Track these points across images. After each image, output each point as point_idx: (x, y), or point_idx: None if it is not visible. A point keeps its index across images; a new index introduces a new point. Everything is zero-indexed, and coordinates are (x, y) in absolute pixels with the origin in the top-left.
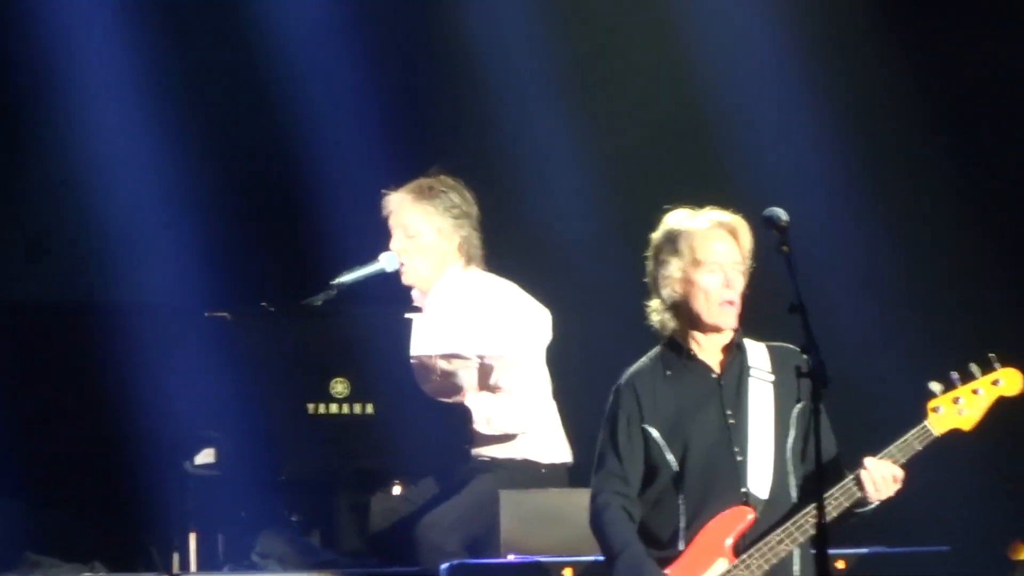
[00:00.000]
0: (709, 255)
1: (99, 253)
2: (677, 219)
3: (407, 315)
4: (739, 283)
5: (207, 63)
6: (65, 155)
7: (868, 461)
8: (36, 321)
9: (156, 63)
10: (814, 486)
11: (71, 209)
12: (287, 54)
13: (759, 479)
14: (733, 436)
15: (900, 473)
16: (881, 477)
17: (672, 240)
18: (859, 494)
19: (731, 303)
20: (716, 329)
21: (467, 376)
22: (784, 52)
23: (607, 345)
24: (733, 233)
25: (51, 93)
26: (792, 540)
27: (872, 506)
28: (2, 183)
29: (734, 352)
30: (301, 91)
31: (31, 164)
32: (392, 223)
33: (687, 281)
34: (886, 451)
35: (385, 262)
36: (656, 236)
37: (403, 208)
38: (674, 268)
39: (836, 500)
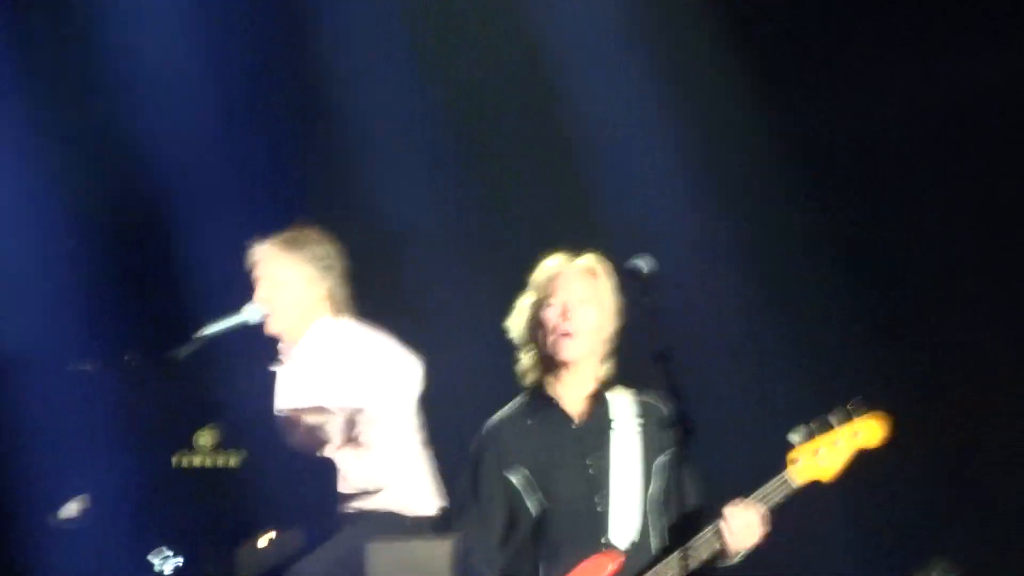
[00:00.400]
0: (555, 292)
1: None
2: (544, 263)
3: (270, 368)
4: (585, 317)
5: (70, 109)
6: None
7: (727, 510)
8: None
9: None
10: (676, 536)
11: None
12: (153, 102)
13: (621, 529)
14: (593, 485)
15: (757, 521)
16: (741, 525)
17: (532, 282)
18: (718, 545)
19: (567, 335)
20: (562, 364)
21: (331, 429)
22: (647, 99)
23: (481, 390)
24: (590, 272)
25: None
26: None
27: (737, 558)
28: None
29: (596, 402)
30: (167, 141)
31: None
32: (258, 274)
33: (535, 319)
34: (746, 500)
35: (249, 314)
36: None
37: (270, 258)
38: (525, 305)
39: (696, 551)
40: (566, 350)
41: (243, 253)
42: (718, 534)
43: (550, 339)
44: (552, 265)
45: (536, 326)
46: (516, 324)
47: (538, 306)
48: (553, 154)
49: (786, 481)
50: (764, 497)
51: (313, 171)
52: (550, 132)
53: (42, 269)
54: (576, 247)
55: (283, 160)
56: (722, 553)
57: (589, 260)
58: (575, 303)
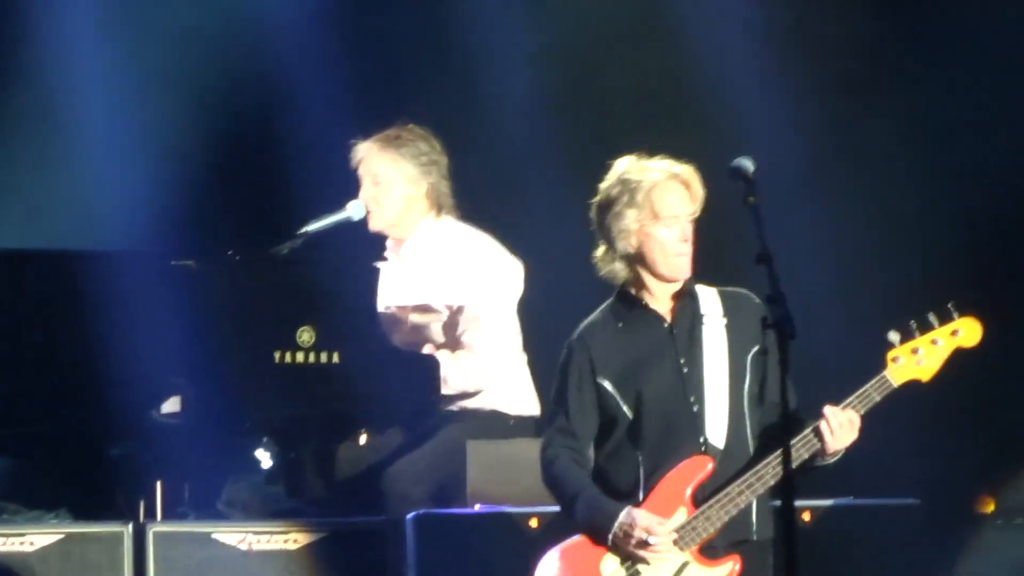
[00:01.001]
0: (667, 208)
1: (68, 202)
2: (631, 169)
3: (374, 264)
4: (691, 234)
5: (175, 15)
6: (35, 102)
7: (827, 410)
8: (6, 268)
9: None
10: (773, 436)
11: (38, 157)
12: (257, 3)
13: (716, 428)
14: (688, 385)
15: (857, 420)
16: (839, 425)
17: (628, 191)
18: (818, 444)
19: (684, 255)
20: (671, 280)
21: (436, 328)
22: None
23: (578, 297)
24: (687, 184)
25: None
26: (752, 491)
27: (832, 459)
28: None
29: (685, 300)
30: (271, 39)
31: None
32: (361, 172)
33: (643, 234)
34: (846, 402)
35: (352, 210)
36: (607, 185)
37: (371, 156)
38: (630, 219)
39: (797, 452)
40: (686, 270)
41: (347, 149)
42: (819, 434)
43: (668, 259)
44: (654, 176)
45: (647, 242)
46: (618, 232)
47: (647, 221)
48: (655, 61)
49: (886, 381)
50: (862, 397)
51: (418, 69)
52: (651, 29)
53: (148, 165)
54: (674, 152)
55: (390, 58)
56: (821, 452)
57: (687, 170)
58: (687, 222)
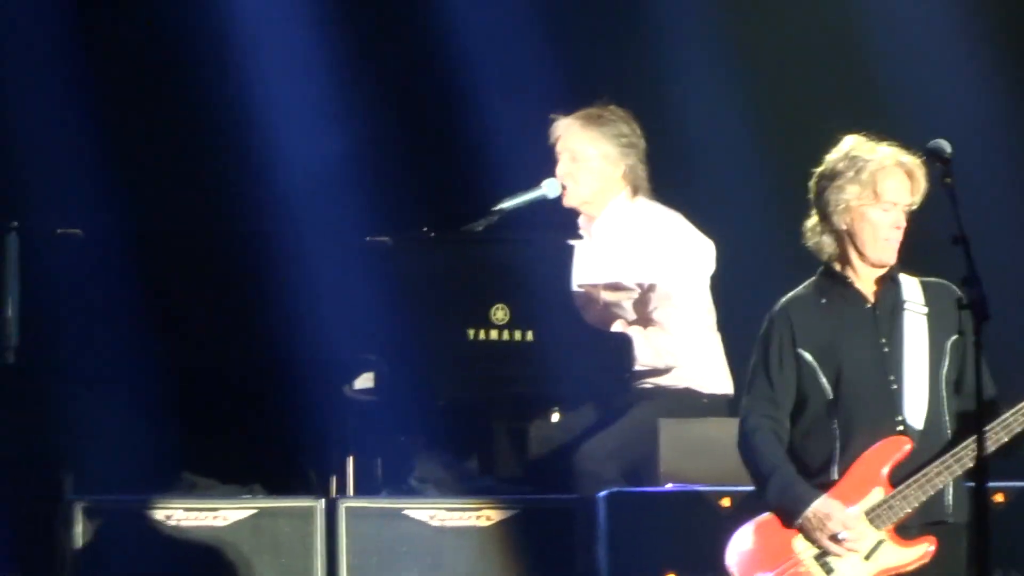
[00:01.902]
0: (888, 193)
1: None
2: (860, 147)
3: (569, 242)
4: (904, 225)
5: None
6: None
7: None
8: (201, 245)
9: None
10: (970, 419)
11: (233, 138)
12: None
13: (914, 409)
14: (888, 364)
15: None
16: None
17: (854, 168)
18: (1020, 427)
19: (896, 241)
20: (876, 264)
21: (627, 306)
22: None
23: (771, 279)
24: (911, 174)
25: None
26: (950, 473)
27: None
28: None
29: (889, 284)
30: (469, 17)
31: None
32: (559, 148)
33: (860, 212)
34: None
35: (547, 188)
36: (834, 158)
37: (571, 133)
38: (850, 195)
39: (996, 434)
40: (893, 256)
41: (543, 128)
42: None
43: (877, 242)
44: (883, 157)
45: (860, 220)
46: (835, 204)
47: (867, 200)
48: (846, 39)
49: None
50: None
51: (614, 52)
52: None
53: (344, 143)
54: (869, 130)
55: (588, 39)
56: (1020, 437)
57: (915, 161)
58: (902, 211)
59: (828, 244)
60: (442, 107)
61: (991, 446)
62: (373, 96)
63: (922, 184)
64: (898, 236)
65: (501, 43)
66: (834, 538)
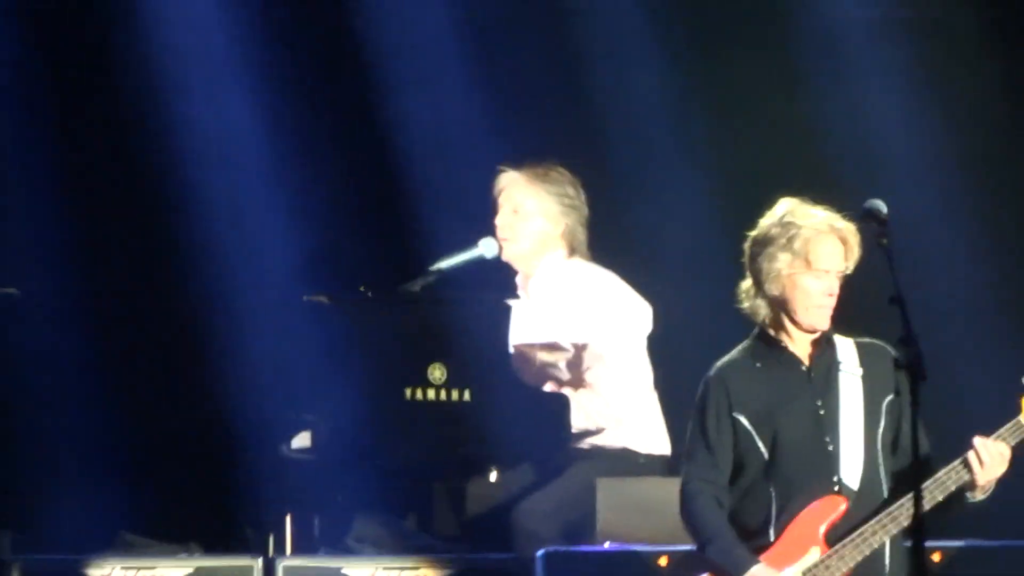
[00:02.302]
0: (820, 260)
1: (199, 241)
2: (793, 212)
3: (506, 301)
4: (837, 289)
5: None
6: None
7: (977, 441)
8: (138, 304)
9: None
10: (906, 478)
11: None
12: (388, 29)
13: (850, 469)
14: (824, 425)
15: (1007, 452)
16: (989, 456)
17: (787, 235)
18: (967, 477)
19: (829, 308)
20: (809, 329)
21: (562, 367)
22: (885, 48)
23: (708, 339)
24: (844, 241)
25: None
26: (886, 531)
27: (982, 495)
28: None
29: (824, 346)
30: (411, 74)
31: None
32: (501, 200)
33: (792, 280)
34: (996, 434)
35: (484, 248)
36: (767, 224)
37: (515, 186)
38: (783, 264)
39: (931, 493)
40: (826, 322)
41: (482, 188)
42: (967, 465)
43: (809, 309)
44: (814, 223)
45: (793, 288)
46: (767, 272)
47: (798, 268)
48: (781, 98)
49: (1020, 425)
50: (1013, 430)
51: (556, 108)
52: (780, 74)
53: (277, 200)
54: (804, 191)
55: (529, 99)
56: (970, 486)
57: (848, 227)
58: (835, 277)
59: (762, 308)
60: (380, 166)
61: (926, 504)
62: (312, 154)
63: (855, 250)
64: (831, 303)
65: (442, 102)
66: None
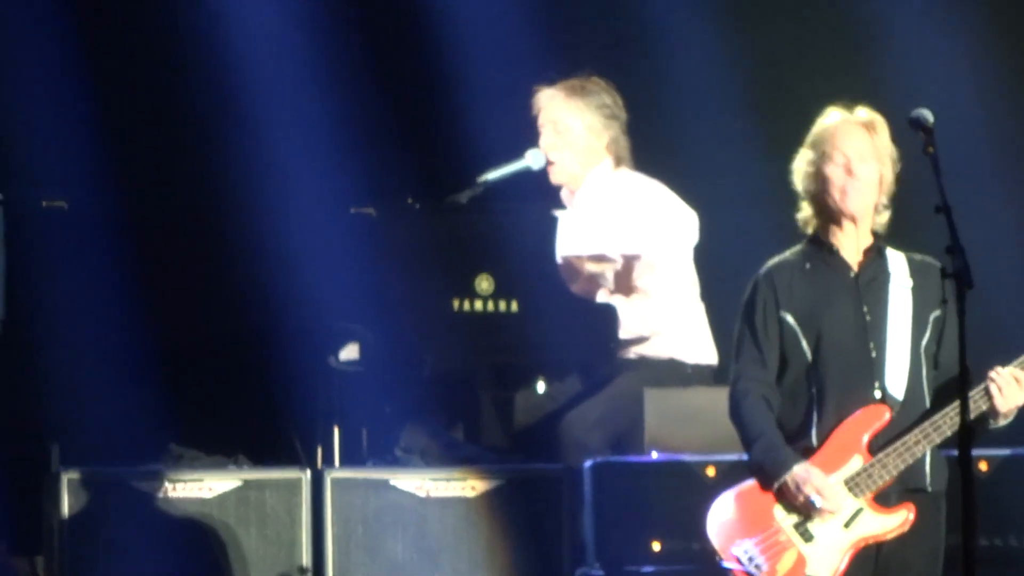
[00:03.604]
0: (836, 149)
1: (245, 155)
2: (823, 117)
3: (553, 212)
4: (867, 174)
5: None
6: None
7: (994, 371)
8: (186, 217)
9: None
10: (948, 389)
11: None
12: None
13: (894, 378)
14: (869, 332)
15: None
16: (1006, 382)
17: (812, 136)
18: (985, 406)
19: (852, 190)
20: (850, 219)
21: (610, 277)
22: None
23: (754, 249)
24: (868, 127)
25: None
26: (929, 441)
27: (1005, 421)
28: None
29: (874, 256)
30: None
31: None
32: (542, 120)
33: (818, 174)
34: (1016, 361)
35: (531, 159)
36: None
37: (554, 104)
38: (805, 161)
39: (975, 403)
40: (852, 203)
41: (526, 99)
42: (987, 394)
43: (836, 194)
44: (831, 120)
45: (819, 180)
46: (798, 177)
47: (820, 161)
48: (830, 9)
49: None
50: (1021, 364)
51: (593, 21)
52: None
53: (329, 115)
54: (852, 101)
55: (569, 8)
56: (992, 414)
57: (866, 114)
58: (856, 159)
59: (811, 217)
60: (425, 79)
61: (948, 430)
62: (356, 68)
63: (882, 136)
64: (858, 185)
65: (482, 14)
66: (809, 504)
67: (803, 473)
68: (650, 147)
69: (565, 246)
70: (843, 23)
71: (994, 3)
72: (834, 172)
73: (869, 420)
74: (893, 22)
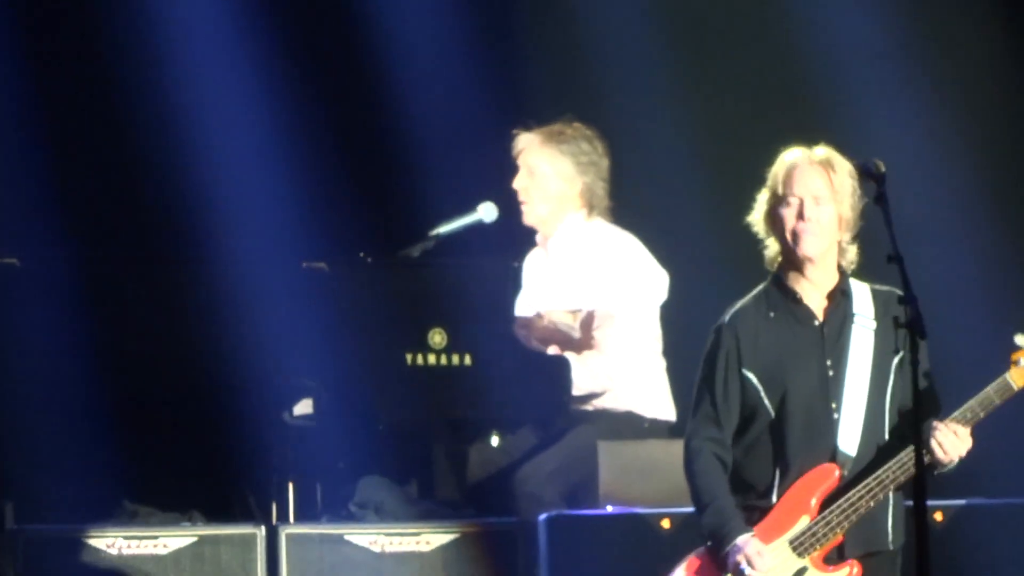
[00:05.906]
0: (789, 187)
1: (197, 210)
2: (781, 155)
3: (514, 263)
4: (821, 215)
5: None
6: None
7: (935, 425)
8: (137, 273)
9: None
10: (899, 441)
11: (170, 165)
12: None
13: (848, 434)
14: (831, 389)
15: (963, 431)
16: (944, 438)
17: (770, 177)
18: (927, 459)
19: (805, 232)
20: (807, 260)
21: (578, 326)
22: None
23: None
24: (825, 166)
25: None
26: (872, 497)
27: (949, 468)
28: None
29: (839, 298)
30: (409, 39)
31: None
32: (519, 162)
33: (774, 215)
34: (965, 406)
35: (483, 213)
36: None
37: (531, 148)
38: (762, 203)
39: (898, 472)
40: (805, 247)
41: (481, 152)
42: (929, 448)
43: (789, 237)
44: (787, 160)
45: (775, 222)
46: (756, 219)
47: (774, 202)
48: (781, 56)
49: (1007, 383)
50: (983, 401)
51: (546, 77)
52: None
53: (281, 170)
54: (810, 143)
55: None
56: (936, 464)
57: (823, 152)
58: (810, 201)
59: (770, 253)
60: (377, 133)
61: (903, 478)
62: (308, 123)
63: (840, 174)
64: (808, 227)
65: (435, 68)
66: (742, 572)
67: (740, 543)
68: (623, 201)
69: (536, 294)
70: (798, 83)
71: (944, 46)
72: (787, 215)
73: (819, 480)
74: (846, 73)
